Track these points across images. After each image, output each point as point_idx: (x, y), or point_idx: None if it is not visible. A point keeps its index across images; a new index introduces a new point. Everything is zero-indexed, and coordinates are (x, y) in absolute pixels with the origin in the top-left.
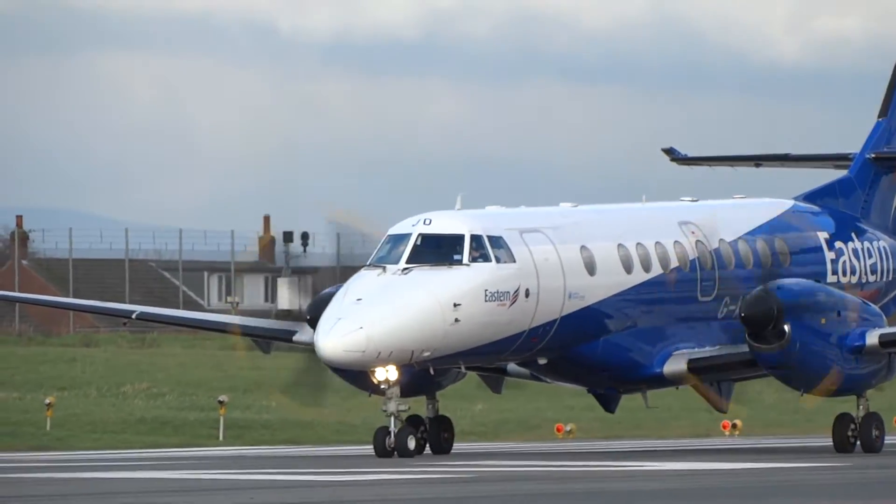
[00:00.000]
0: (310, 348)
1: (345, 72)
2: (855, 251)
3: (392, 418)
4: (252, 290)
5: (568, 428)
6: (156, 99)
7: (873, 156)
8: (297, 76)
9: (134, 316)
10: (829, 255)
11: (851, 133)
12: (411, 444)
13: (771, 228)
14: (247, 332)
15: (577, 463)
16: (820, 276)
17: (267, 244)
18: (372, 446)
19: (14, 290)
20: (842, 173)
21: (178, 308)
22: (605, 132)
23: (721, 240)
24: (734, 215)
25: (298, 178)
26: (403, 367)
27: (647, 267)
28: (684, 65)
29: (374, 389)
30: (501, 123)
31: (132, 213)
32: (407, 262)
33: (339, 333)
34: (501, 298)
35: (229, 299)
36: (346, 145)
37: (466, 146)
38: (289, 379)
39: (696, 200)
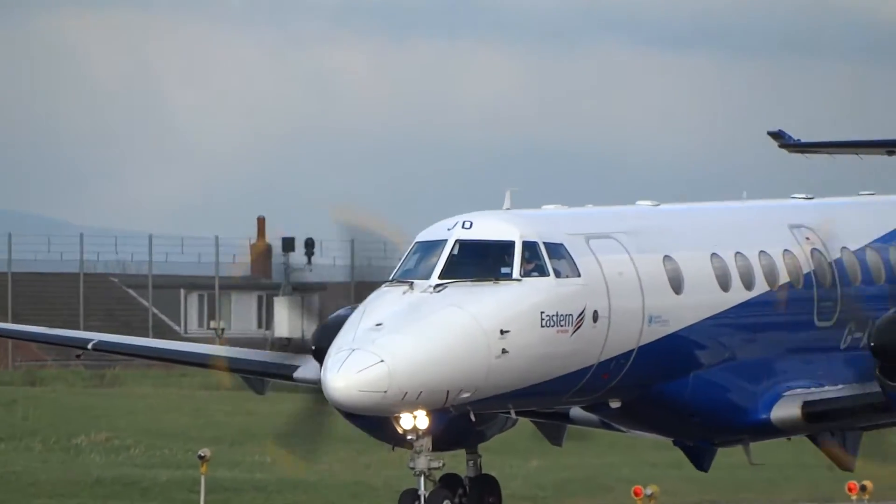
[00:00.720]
0: (316, 387)
1: (358, 36)
2: None
3: (422, 478)
4: (242, 313)
5: (649, 491)
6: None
7: None
8: (300, 42)
9: (90, 346)
10: None
11: None
12: None
13: None
14: (235, 366)
15: None
16: None
17: (261, 254)
18: None
19: None
20: None
21: (147, 336)
22: (692, 111)
23: (844, 248)
24: (860, 217)
25: (301, 172)
26: (436, 413)
27: (748, 283)
28: (795, 25)
29: (399, 441)
30: (558, 100)
31: (89, 214)
32: (441, 277)
33: (353, 368)
34: (562, 323)
35: (213, 325)
36: (362, 130)
37: (515, 130)
38: (285, 426)
39: (811, 198)
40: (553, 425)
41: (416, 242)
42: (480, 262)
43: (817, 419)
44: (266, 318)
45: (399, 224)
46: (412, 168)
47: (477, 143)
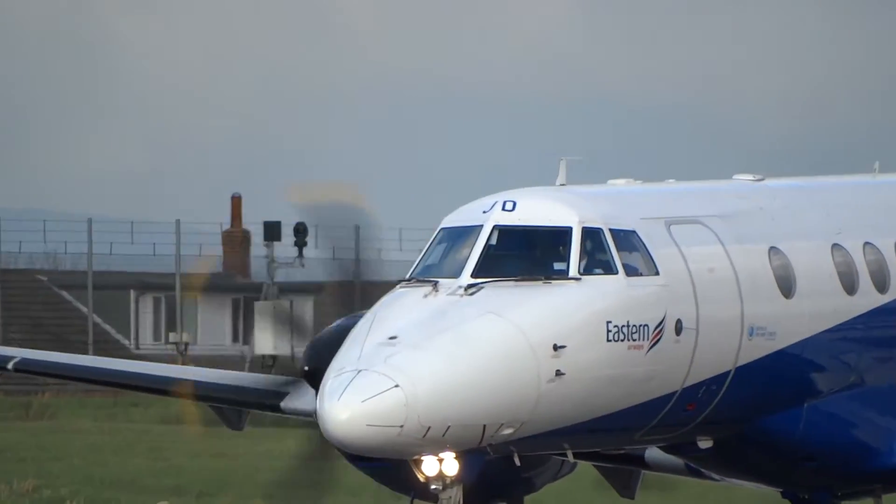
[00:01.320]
0: (310, 421)
1: None
2: None
3: None
4: (211, 323)
5: None
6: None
7: None
8: None
9: (10, 366)
10: None
11: None
12: None
13: None
14: (203, 393)
15: None
16: None
17: (237, 244)
18: None
19: None
20: None
21: (86, 352)
22: (808, 59)
23: None
24: None
25: (289, 137)
26: (469, 455)
27: (881, 284)
28: None
29: (421, 491)
30: (629, 43)
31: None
32: (474, 275)
33: (358, 395)
34: (635, 337)
35: (173, 338)
36: (368, 84)
37: (572, 82)
38: (279, 475)
39: None
40: (623, 471)
41: (442, 229)
42: (526, 255)
43: None
44: (244, 329)
45: (407, 207)
46: (433, 134)
47: (522, 99)
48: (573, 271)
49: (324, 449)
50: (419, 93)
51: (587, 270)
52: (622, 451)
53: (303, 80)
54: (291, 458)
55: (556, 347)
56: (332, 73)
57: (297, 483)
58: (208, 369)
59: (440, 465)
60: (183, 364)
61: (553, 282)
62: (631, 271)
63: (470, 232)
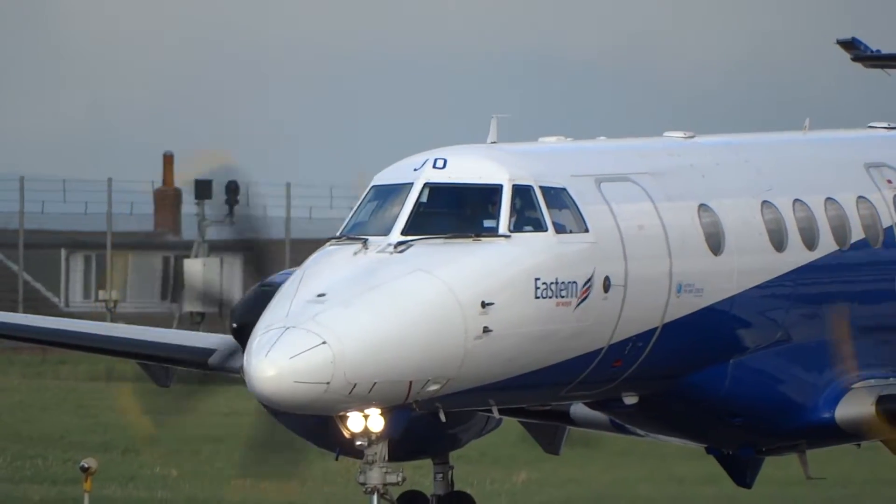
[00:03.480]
0: (237, 377)
1: None
2: None
3: (375, 496)
4: (141, 281)
5: None
6: None
7: None
8: None
9: None
10: None
11: None
12: None
13: None
14: (132, 350)
15: None
16: None
17: (168, 202)
18: None
19: None
20: None
21: (15, 310)
22: (737, 15)
23: None
24: None
25: (223, 93)
26: (395, 411)
27: (810, 241)
28: None
29: (346, 448)
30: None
31: None
32: (404, 233)
33: (286, 352)
34: (563, 294)
35: (103, 296)
36: (303, 38)
37: (502, 37)
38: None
39: (895, 128)
40: (549, 427)
41: (372, 187)
42: (456, 212)
43: None
44: (173, 287)
45: (337, 165)
46: (363, 92)
47: (453, 57)
48: (503, 229)
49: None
50: (349, 52)
51: (517, 228)
52: (548, 408)
53: (235, 40)
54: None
55: (484, 304)
56: (264, 32)
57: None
58: (136, 326)
59: (366, 422)
60: (112, 321)
61: (483, 239)
62: (560, 229)
63: (400, 189)
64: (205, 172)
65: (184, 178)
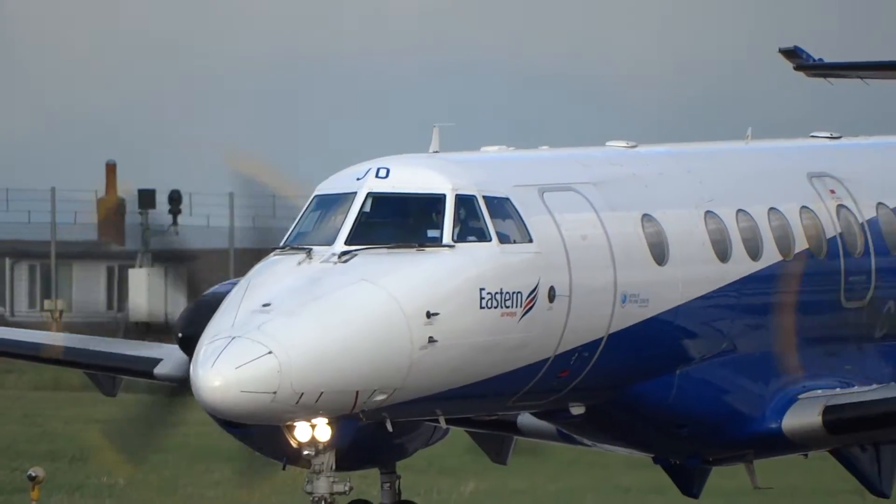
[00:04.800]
0: (182, 385)
1: None
2: None
3: None
4: (86, 290)
5: None
6: None
7: None
8: None
9: None
10: None
11: None
12: None
13: None
14: (77, 359)
15: None
16: None
17: (111, 211)
18: None
19: None
20: None
21: None
22: (681, 24)
23: (880, 205)
24: None
25: (165, 103)
26: (342, 421)
27: (754, 251)
28: None
29: (293, 457)
30: (503, 5)
31: None
32: (348, 243)
33: (232, 362)
34: (508, 304)
35: (48, 305)
36: (242, 53)
37: (445, 45)
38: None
39: (837, 137)
40: (496, 437)
41: (315, 196)
42: (400, 222)
43: (843, 429)
44: (118, 296)
45: (294, 177)
46: (307, 101)
47: (396, 66)
48: (447, 238)
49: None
50: (294, 61)
51: (461, 238)
52: (494, 417)
53: (179, 50)
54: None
55: (429, 314)
56: (206, 40)
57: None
58: (82, 336)
59: (313, 431)
60: (57, 330)
61: (427, 249)
62: (504, 238)
63: (343, 199)
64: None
65: (127, 188)
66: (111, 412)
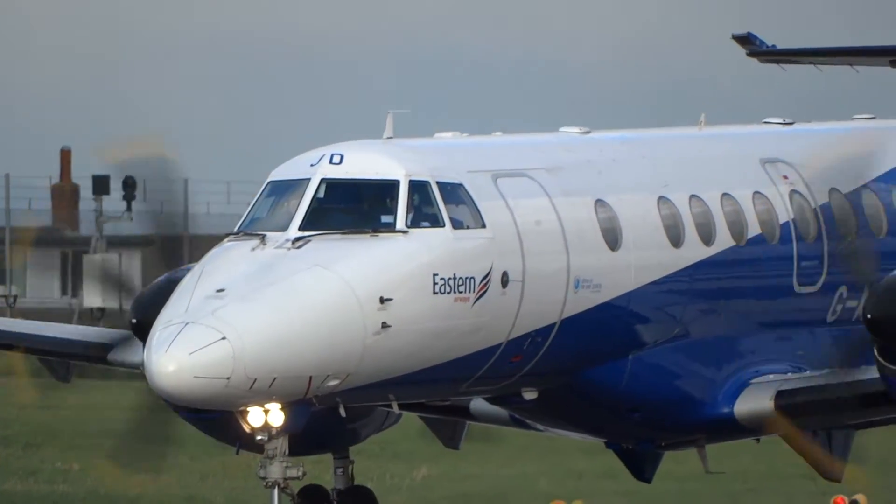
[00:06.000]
0: (137, 372)
1: None
2: None
3: (275, 491)
4: (40, 276)
5: None
6: None
7: None
8: None
9: None
10: None
11: None
12: None
13: None
14: (31, 345)
15: None
16: None
17: (65, 198)
18: None
19: None
20: None
21: None
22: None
23: (833, 190)
24: (855, 149)
25: (120, 88)
26: (295, 406)
27: (707, 236)
28: None
29: (246, 442)
30: None
31: None
32: (301, 228)
33: (185, 348)
34: (461, 289)
35: (2, 290)
36: (194, 40)
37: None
38: (123, 430)
39: (790, 123)
40: (449, 422)
41: (269, 182)
42: (353, 208)
43: (795, 413)
44: (72, 282)
45: (235, 161)
46: (261, 87)
47: (349, 52)
48: (400, 224)
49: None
50: (246, 47)
51: (414, 223)
52: (447, 403)
53: (133, 34)
54: (129, 411)
55: (382, 300)
56: (160, 25)
57: (140, 437)
58: (36, 322)
59: (266, 417)
60: (10, 317)
61: (380, 235)
62: (458, 224)
63: (297, 185)
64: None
65: (81, 174)
66: (65, 398)
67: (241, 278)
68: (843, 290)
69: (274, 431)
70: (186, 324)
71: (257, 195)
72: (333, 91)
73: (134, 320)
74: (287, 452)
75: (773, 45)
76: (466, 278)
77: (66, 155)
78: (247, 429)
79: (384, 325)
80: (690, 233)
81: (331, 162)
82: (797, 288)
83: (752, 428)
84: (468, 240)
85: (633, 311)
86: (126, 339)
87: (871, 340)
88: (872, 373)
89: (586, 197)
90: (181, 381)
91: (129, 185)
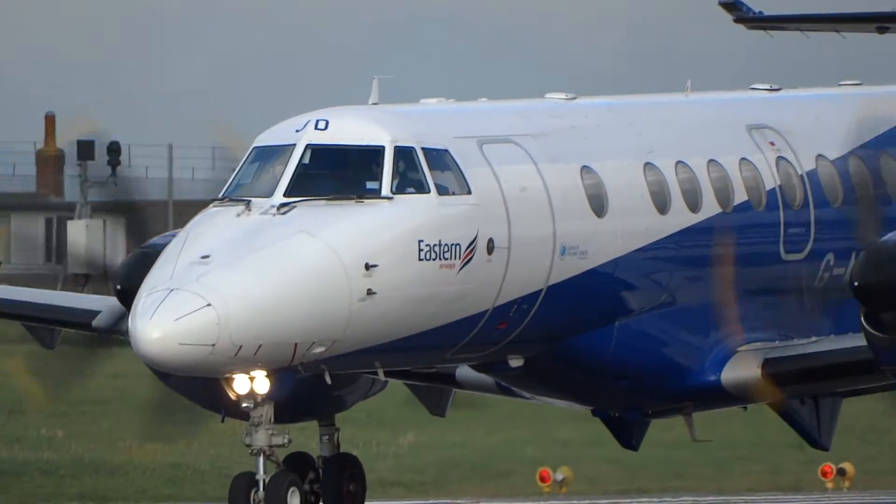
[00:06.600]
0: (121, 338)
1: None
2: None
3: (261, 458)
4: (24, 242)
5: (559, 476)
6: None
7: None
8: None
9: None
10: None
11: None
12: (294, 501)
13: None
14: (15, 311)
15: None
16: None
17: (50, 163)
18: None
19: None
20: None
21: None
22: None
23: (820, 157)
24: (842, 115)
25: (105, 51)
26: (280, 373)
27: (693, 203)
28: None
29: (232, 409)
30: None
31: None
32: (287, 195)
33: (170, 314)
34: (446, 256)
35: None
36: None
37: None
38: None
39: (777, 90)
40: (434, 390)
41: (254, 148)
42: (339, 174)
43: (782, 381)
44: (57, 247)
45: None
46: (247, 52)
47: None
48: (385, 190)
49: None
50: (234, 10)
51: (399, 189)
52: (433, 370)
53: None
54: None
55: (367, 266)
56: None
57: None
58: (21, 288)
59: (251, 384)
60: None
61: (365, 201)
62: (443, 190)
63: (282, 151)
64: (85, 135)
65: (66, 139)
66: (52, 364)
67: (226, 244)
68: (830, 257)
69: (259, 398)
70: (171, 290)
71: (242, 161)
72: (319, 57)
73: (118, 287)
74: (272, 420)
75: (760, 12)
76: (452, 245)
77: (50, 120)
78: (232, 396)
79: (369, 292)
80: (677, 199)
81: (316, 128)
82: (784, 255)
83: (740, 396)
84: (454, 206)
85: (619, 278)
86: (111, 306)
87: (858, 309)
88: (860, 340)
89: (572, 163)
90: (166, 348)
91: (113, 151)
